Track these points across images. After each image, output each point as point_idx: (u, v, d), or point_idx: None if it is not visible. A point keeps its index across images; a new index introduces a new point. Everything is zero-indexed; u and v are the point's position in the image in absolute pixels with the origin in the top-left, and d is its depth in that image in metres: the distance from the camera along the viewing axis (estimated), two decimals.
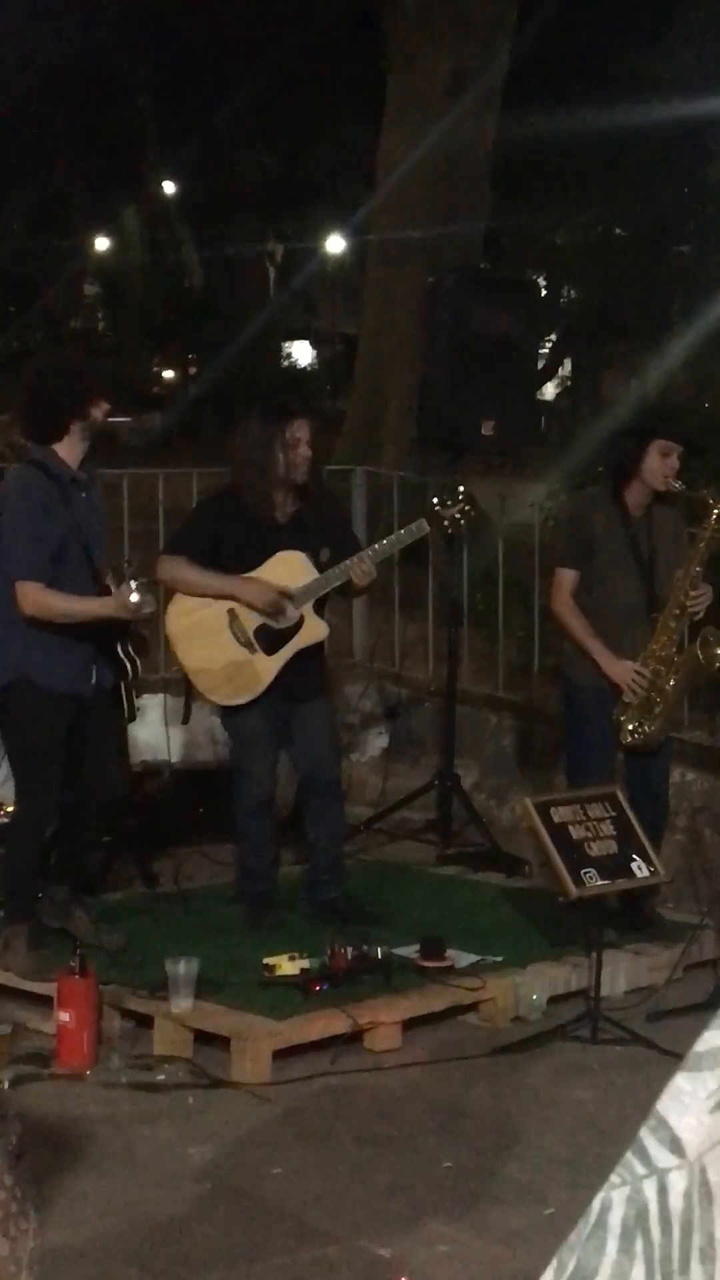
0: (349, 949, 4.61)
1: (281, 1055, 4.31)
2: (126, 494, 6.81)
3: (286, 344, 22.79)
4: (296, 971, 4.55)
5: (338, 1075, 4.29)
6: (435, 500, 5.20)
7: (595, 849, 4.66)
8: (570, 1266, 0.95)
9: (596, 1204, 0.97)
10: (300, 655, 5.05)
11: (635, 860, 4.72)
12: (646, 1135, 0.98)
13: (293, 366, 21.68)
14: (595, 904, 4.66)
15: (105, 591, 4.61)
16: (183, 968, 4.39)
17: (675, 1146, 0.95)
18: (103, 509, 4.93)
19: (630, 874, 4.72)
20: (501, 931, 5.16)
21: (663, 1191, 0.95)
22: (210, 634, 5.04)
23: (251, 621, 5.05)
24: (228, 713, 5.18)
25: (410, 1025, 4.56)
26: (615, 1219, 0.95)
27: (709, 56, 12.39)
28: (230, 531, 5.03)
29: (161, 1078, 4.26)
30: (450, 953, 4.79)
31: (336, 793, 5.28)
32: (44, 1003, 4.49)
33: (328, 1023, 4.41)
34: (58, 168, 19.89)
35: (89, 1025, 4.30)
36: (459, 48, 9.47)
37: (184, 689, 5.22)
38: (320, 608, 5.14)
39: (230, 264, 20.83)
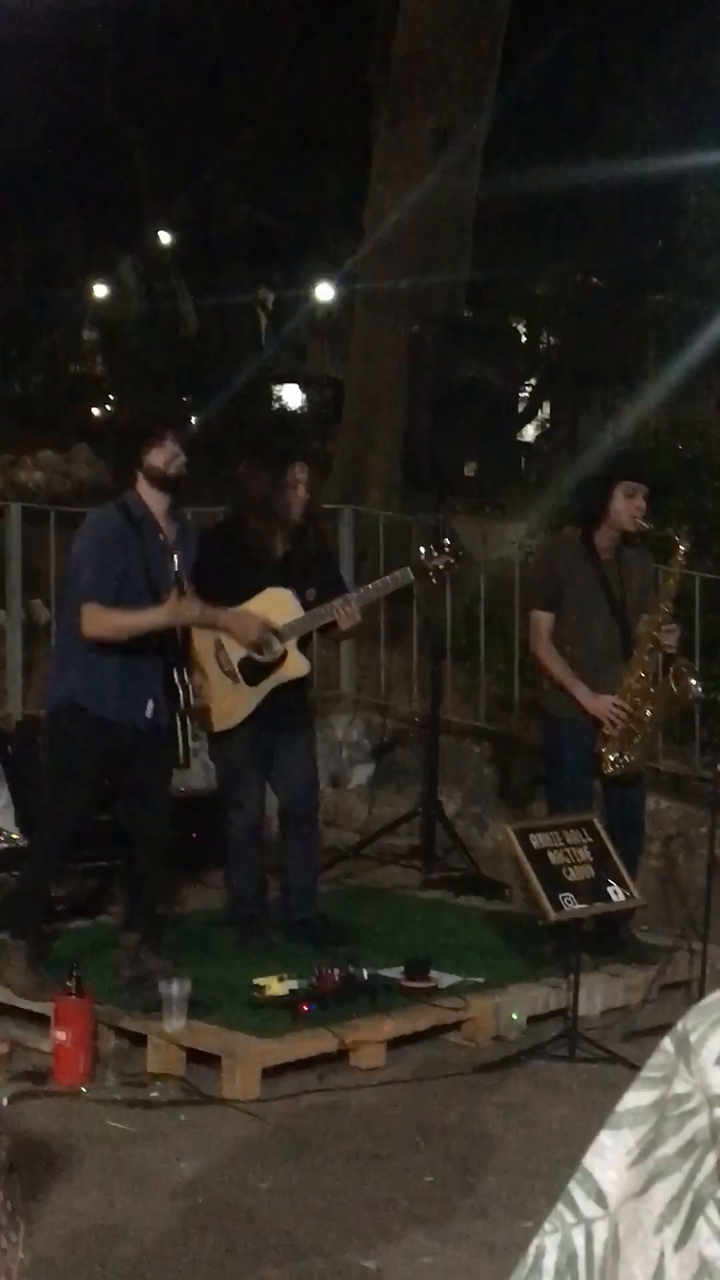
0: (336, 971, 4.70)
1: (271, 1073, 4.39)
2: None
3: (277, 388, 23.04)
4: (285, 992, 4.64)
5: (325, 1092, 4.37)
6: (421, 550, 5.39)
7: (573, 874, 4.76)
8: None
9: (533, 1249, 1.04)
10: (284, 688, 5.21)
11: (611, 885, 4.83)
12: (575, 1187, 1.04)
13: (283, 409, 21.91)
14: (573, 927, 4.77)
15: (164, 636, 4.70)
16: (175, 988, 4.48)
17: (599, 1198, 1.02)
18: (188, 557, 4.87)
19: (607, 898, 4.83)
20: (483, 953, 5.27)
21: (589, 1240, 1.01)
22: (197, 661, 5.20)
23: (236, 652, 5.22)
24: (214, 742, 5.33)
25: (395, 1044, 4.65)
26: (549, 1263, 1.02)
27: (681, 115, 12.68)
28: (224, 565, 5.18)
29: (154, 1095, 4.34)
30: (433, 974, 4.89)
31: (313, 821, 5.43)
32: (41, 1021, 4.57)
33: (315, 1042, 4.49)
34: (58, 220, 20.18)
35: (85, 1044, 4.39)
36: (443, 106, 9.73)
37: None
38: (304, 644, 5.32)
39: (223, 311, 21.07)
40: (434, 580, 5.43)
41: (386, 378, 9.40)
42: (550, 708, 5.37)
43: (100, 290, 23.39)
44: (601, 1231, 1.01)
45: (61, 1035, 4.39)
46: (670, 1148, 0.99)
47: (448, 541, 5.44)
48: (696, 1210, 0.96)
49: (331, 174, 16.56)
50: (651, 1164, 0.99)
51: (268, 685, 5.21)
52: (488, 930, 5.57)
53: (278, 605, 5.19)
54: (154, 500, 4.78)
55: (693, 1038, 0.96)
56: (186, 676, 4.85)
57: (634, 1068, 4.52)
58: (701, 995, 4.82)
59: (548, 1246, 1.03)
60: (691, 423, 8.26)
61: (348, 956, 4.94)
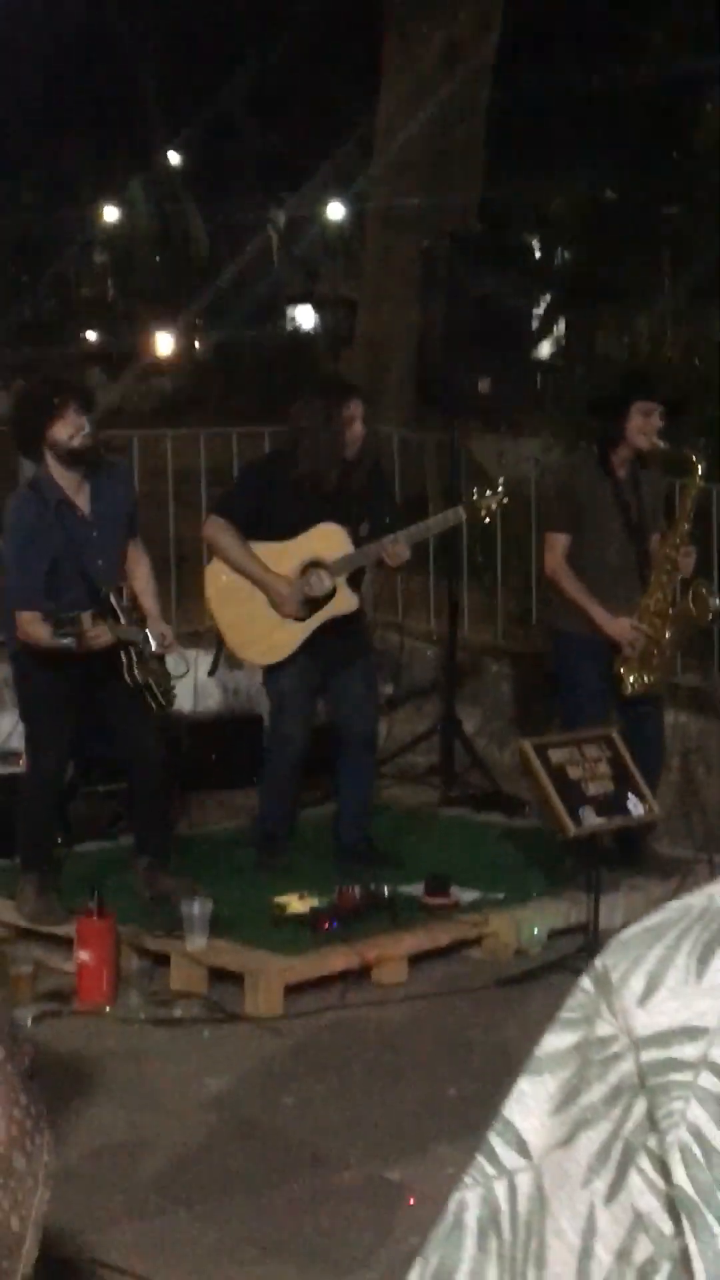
0: (356, 888, 4.74)
1: (293, 990, 4.44)
2: (136, 455, 6.91)
3: (290, 308, 22.81)
4: (306, 910, 4.67)
5: (347, 1009, 4.41)
6: (475, 491, 5.38)
7: (592, 788, 4.75)
8: (433, 1262, 0.95)
9: (453, 1204, 0.97)
10: (337, 621, 5.19)
11: (631, 798, 4.82)
12: (494, 1137, 0.98)
13: (296, 330, 21.71)
14: (593, 841, 4.78)
15: (105, 607, 4.60)
16: (197, 908, 4.52)
17: (522, 1149, 0.96)
18: (125, 505, 4.82)
19: (626, 812, 4.82)
20: (503, 869, 5.30)
21: (513, 1192, 0.95)
22: (246, 595, 5.17)
23: None
24: (268, 672, 5.33)
25: (416, 960, 4.68)
26: (471, 1218, 0.96)
27: (697, 21, 12.35)
28: (275, 498, 5.15)
29: (178, 1013, 4.39)
30: (454, 890, 4.92)
31: (371, 746, 5.44)
32: (65, 943, 4.60)
33: (337, 958, 4.53)
34: (66, 141, 19.93)
35: (108, 964, 4.43)
36: (452, 18, 9.53)
37: (216, 643, 5.39)
38: (355, 579, 5.29)
39: (234, 232, 20.83)
40: (485, 519, 5.42)
41: (399, 296, 9.29)
42: (561, 624, 5.36)
43: (110, 213, 23.13)
44: (525, 1184, 0.94)
45: (84, 956, 4.44)
46: (595, 1095, 0.94)
47: (502, 481, 5.42)
48: (627, 1161, 0.91)
49: (341, 90, 16.27)
50: (576, 1111, 0.95)
51: (316, 621, 5.18)
52: (508, 846, 5.59)
53: (329, 540, 5.16)
54: (64, 478, 4.62)
55: (613, 976, 0.90)
56: (138, 674, 4.69)
57: None
58: None
59: (469, 1201, 0.96)
60: (708, 339, 8.15)
61: (369, 874, 4.96)
